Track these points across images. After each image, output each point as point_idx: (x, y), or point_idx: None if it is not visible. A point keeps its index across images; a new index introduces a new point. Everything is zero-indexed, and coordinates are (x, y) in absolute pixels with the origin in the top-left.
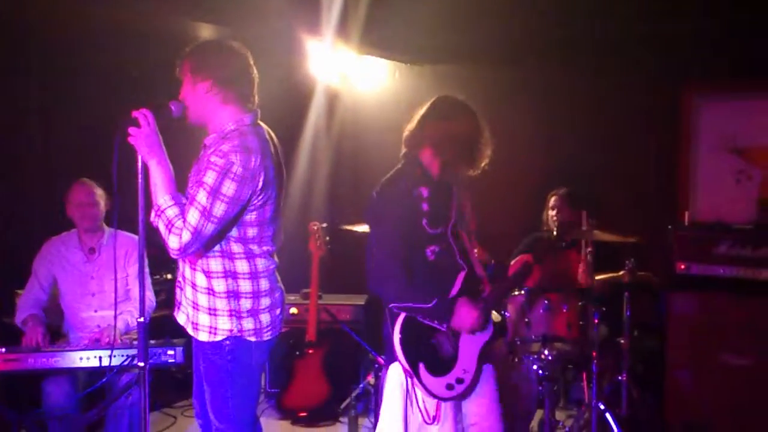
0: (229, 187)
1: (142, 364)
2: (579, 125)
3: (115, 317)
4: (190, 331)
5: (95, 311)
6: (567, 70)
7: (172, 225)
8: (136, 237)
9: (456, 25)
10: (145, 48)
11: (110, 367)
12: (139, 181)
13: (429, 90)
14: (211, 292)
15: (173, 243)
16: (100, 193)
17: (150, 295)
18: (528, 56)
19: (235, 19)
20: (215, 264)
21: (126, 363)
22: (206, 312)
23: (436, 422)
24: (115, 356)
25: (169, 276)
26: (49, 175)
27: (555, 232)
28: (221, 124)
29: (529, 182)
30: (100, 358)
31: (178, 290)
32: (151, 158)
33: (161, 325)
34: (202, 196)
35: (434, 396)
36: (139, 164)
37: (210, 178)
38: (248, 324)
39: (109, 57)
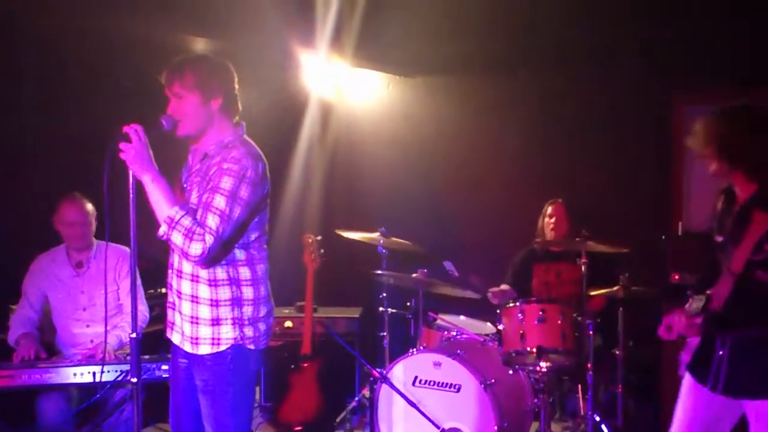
0: (245, 191)
1: (135, 379)
2: (571, 136)
3: (105, 332)
4: (188, 348)
5: (87, 326)
6: (559, 80)
7: (193, 232)
8: (125, 249)
9: (448, 37)
10: (137, 61)
11: (103, 383)
12: (131, 195)
13: (422, 102)
14: (214, 303)
15: (196, 249)
16: (89, 210)
17: (143, 308)
18: (520, 67)
19: (229, 31)
20: (221, 272)
21: (119, 378)
22: (208, 324)
23: None
24: (108, 372)
25: (164, 290)
26: (42, 189)
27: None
28: (218, 136)
29: (520, 193)
30: (94, 373)
31: (169, 311)
32: (144, 173)
33: (155, 340)
34: (220, 201)
35: None
36: (130, 179)
37: (227, 183)
38: (249, 332)
39: (102, 69)
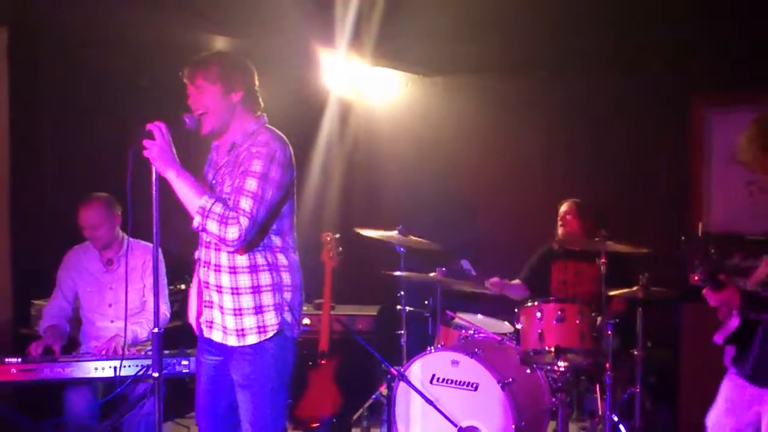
0: (276, 172)
1: (156, 374)
2: (590, 136)
3: (125, 328)
4: (233, 341)
5: (111, 321)
6: (578, 81)
7: (227, 217)
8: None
9: (468, 37)
10: (157, 59)
11: (123, 378)
12: (154, 192)
13: (441, 101)
14: (256, 289)
15: (233, 233)
16: (107, 210)
17: (165, 307)
18: (539, 68)
19: (249, 31)
20: (260, 257)
21: (140, 373)
22: (252, 313)
23: None
24: (129, 366)
25: (183, 286)
26: (66, 185)
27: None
28: (242, 127)
29: (539, 193)
30: (115, 368)
31: (206, 309)
32: (168, 169)
33: (175, 336)
34: (251, 184)
35: None
36: (154, 176)
37: (257, 166)
38: (288, 317)
39: (122, 68)
